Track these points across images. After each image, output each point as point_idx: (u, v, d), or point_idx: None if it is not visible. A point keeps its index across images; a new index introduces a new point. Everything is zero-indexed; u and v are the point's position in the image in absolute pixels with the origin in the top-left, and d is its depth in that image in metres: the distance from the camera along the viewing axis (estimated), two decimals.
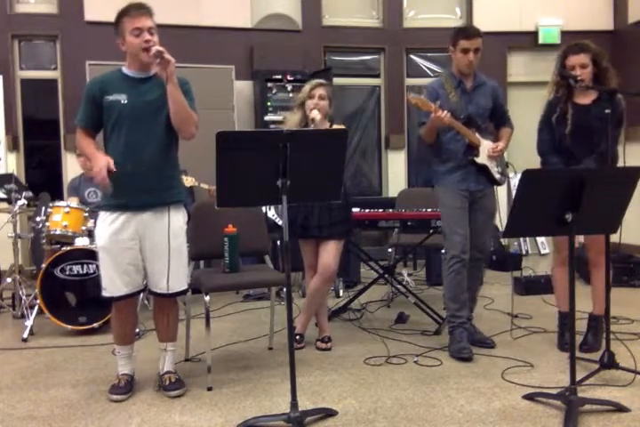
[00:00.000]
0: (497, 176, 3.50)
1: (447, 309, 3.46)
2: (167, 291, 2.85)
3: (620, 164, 3.21)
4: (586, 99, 3.36)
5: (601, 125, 3.25)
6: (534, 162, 3.48)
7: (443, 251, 4.56)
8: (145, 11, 2.73)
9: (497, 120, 3.60)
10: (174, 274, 2.84)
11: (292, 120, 3.51)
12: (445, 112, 3.20)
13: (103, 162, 2.65)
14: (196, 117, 2.80)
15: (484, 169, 3.45)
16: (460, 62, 3.39)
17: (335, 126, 3.52)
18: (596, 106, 3.30)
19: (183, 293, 2.94)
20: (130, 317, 2.97)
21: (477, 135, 3.41)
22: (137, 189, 2.74)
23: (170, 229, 2.80)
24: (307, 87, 3.50)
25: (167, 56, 2.63)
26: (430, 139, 3.42)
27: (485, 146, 3.43)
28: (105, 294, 2.85)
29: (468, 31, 3.41)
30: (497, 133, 3.60)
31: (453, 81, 3.43)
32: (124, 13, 2.73)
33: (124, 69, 2.83)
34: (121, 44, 2.77)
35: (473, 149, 3.40)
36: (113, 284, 2.81)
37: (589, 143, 3.30)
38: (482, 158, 3.42)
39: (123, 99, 2.74)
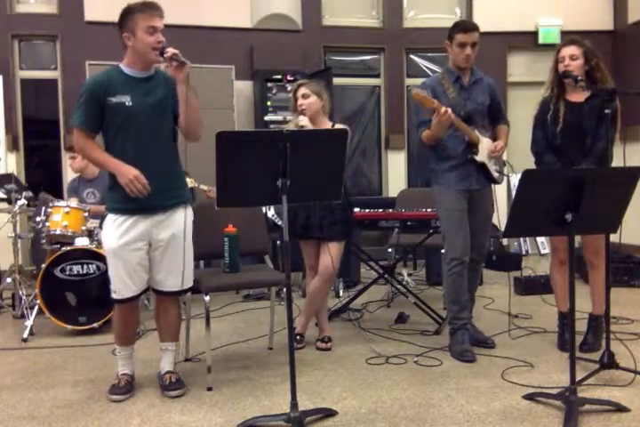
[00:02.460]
0: (495, 175, 3.49)
1: (448, 311, 3.45)
2: (174, 288, 2.90)
3: (620, 164, 3.21)
4: (579, 97, 3.35)
5: (593, 124, 3.26)
6: (533, 162, 3.48)
7: (442, 251, 4.59)
8: (160, 12, 2.72)
9: (493, 117, 3.56)
10: (185, 271, 2.88)
11: (291, 127, 3.49)
12: (449, 109, 3.15)
13: (134, 171, 2.66)
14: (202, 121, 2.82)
15: (482, 167, 3.43)
16: (458, 57, 3.35)
17: (337, 126, 3.51)
18: (589, 104, 3.30)
19: (190, 290, 3.00)
20: (132, 318, 2.97)
21: (476, 132, 3.39)
22: (149, 192, 2.73)
23: (181, 228, 2.84)
24: (291, 95, 3.52)
25: (183, 59, 2.64)
26: (435, 141, 3.36)
27: (484, 144, 3.41)
28: (115, 296, 2.85)
29: (464, 25, 3.39)
30: (494, 131, 3.57)
31: (451, 77, 3.40)
32: (138, 10, 2.69)
33: (124, 68, 2.78)
34: (127, 39, 2.71)
35: (472, 146, 3.37)
36: (125, 285, 2.81)
37: (581, 142, 3.29)
38: (481, 156, 3.39)
39: (127, 101, 2.71)
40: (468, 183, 3.39)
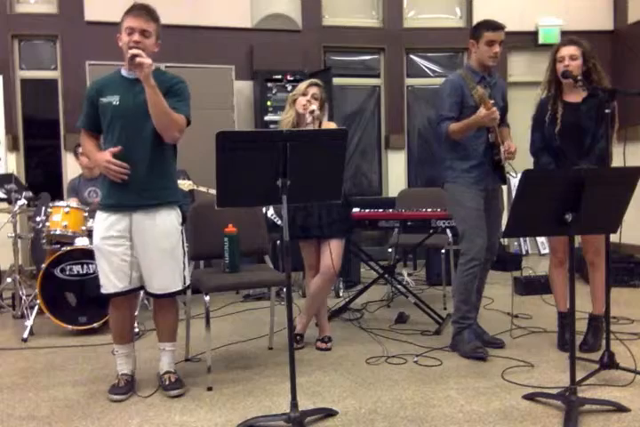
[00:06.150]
0: (506, 175, 3.51)
1: (456, 310, 3.42)
2: (159, 291, 2.86)
3: (620, 164, 3.21)
4: (576, 97, 3.35)
5: (590, 124, 3.26)
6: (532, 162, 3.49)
7: (443, 251, 4.59)
8: (144, 12, 2.76)
9: (501, 119, 3.51)
10: (166, 275, 2.84)
11: (285, 119, 3.51)
12: (496, 112, 3.15)
13: (104, 156, 2.74)
14: (181, 121, 2.77)
15: (500, 168, 3.42)
16: (485, 55, 3.31)
17: (325, 123, 3.49)
18: (587, 104, 3.30)
19: (176, 294, 2.91)
20: (127, 314, 2.96)
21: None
22: (128, 190, 2.77)
23: (161, 229, 2.81)
24: (302, 85, 3.50)
25: (139, 59, 2.62)
26: (462, 136, 3.30)
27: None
28: (103, 291, 2.88)
29: (492, 23, 3.35)
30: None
31: (475, 77, 3.35)
32: (127, 11, 2.78)
33: (122, 70, 2.85)
34: (118, 40, 2.80)
35: (494, 147, 3.35)
36: (108, 281, 2.83)
37: (579, 142, 3.30)
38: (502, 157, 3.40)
39: (115, 100, 2.77)
40: (486, 183, 3.40)
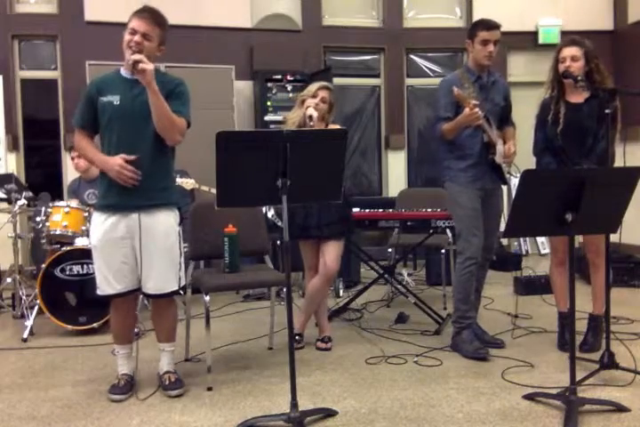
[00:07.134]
0: (506, 175, 3.51)
1: (456, 310, 3.43)
2: (155, 291, 2.85)
3: (620, 164, 3.21)
4: (578, 97, 3.36)
5: (593, 124, 3.26)
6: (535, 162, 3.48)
7: (442, 251, 4.60)
8: (150, 15, 2.75)
9: (503, 118, 3.55)
10: (163, 275, 2.83)
11: (292, 118, 3.51)
12: (480, 111, 3.15)
13: (116, 160, 2.71)
14: (181, 124, 2.77)
15: (498, 168, 3.44)
16: (480, 54, 3.35)
17: (331, 125, 3.51)
18: (589, 104, 3.31)
19: (172, 294, 2.90)
20: (127, 315, 2.97)
21: (495, 133, 3.39)
22: (128, 190, 2.76)
23: (160, 230, 2.80)
24: (313, 86, 3.51)
25: (142, 66, 2.61)
26: (454, 135, 3.33)
27: (500, 145, 3.42)
28: (99, 292, 2.88)
29: (487, 23, 3.38)
30: (501, 132, 3.54)
31: (471, 76, 3.38)
32: (135, 11, 2.76)
33: (122, 70, 2.84)
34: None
35: (490, 147, 3.37)
36: (106, 282, 2.83)
37: (581, 142, 3.30)
38: (497, 157, 3.41)
39: (115, 100, 2.76)
40: (483, 182, 3.41)
